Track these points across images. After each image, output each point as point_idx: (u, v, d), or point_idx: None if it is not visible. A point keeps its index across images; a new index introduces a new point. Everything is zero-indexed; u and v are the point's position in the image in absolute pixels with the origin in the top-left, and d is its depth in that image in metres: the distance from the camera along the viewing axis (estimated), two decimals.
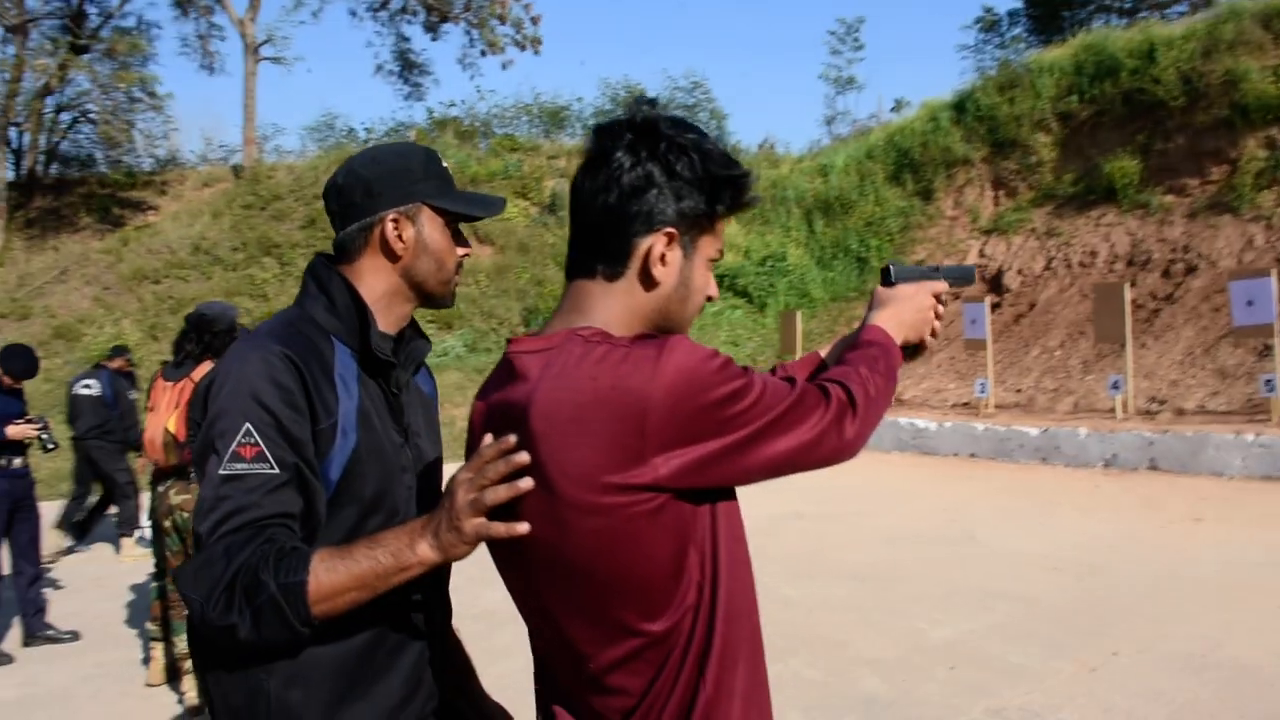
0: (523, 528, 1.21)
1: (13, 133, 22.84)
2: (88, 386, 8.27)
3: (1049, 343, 14.01)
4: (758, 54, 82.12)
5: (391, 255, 1.57)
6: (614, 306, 1.29)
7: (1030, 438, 10.91)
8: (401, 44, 29.17)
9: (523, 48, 26.33)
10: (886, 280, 1.66)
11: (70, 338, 16.93)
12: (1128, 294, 11.25)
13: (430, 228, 1.58)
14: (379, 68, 31.94)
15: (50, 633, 5.88)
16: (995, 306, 15.04)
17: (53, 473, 11.69)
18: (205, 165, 25.99)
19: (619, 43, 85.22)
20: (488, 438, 1.25)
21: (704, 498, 1.22)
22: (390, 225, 1.56)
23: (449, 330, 18.08)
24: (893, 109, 29.11)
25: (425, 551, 1.30)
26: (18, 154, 23.36)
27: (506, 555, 1.30)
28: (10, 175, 22.17)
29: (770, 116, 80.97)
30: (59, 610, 6.22)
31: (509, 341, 1.32)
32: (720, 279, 19.50)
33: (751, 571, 1.33)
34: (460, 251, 1.63)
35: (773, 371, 1.53)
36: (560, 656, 1.29)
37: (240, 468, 1.35)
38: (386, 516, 1.49)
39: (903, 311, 1.59)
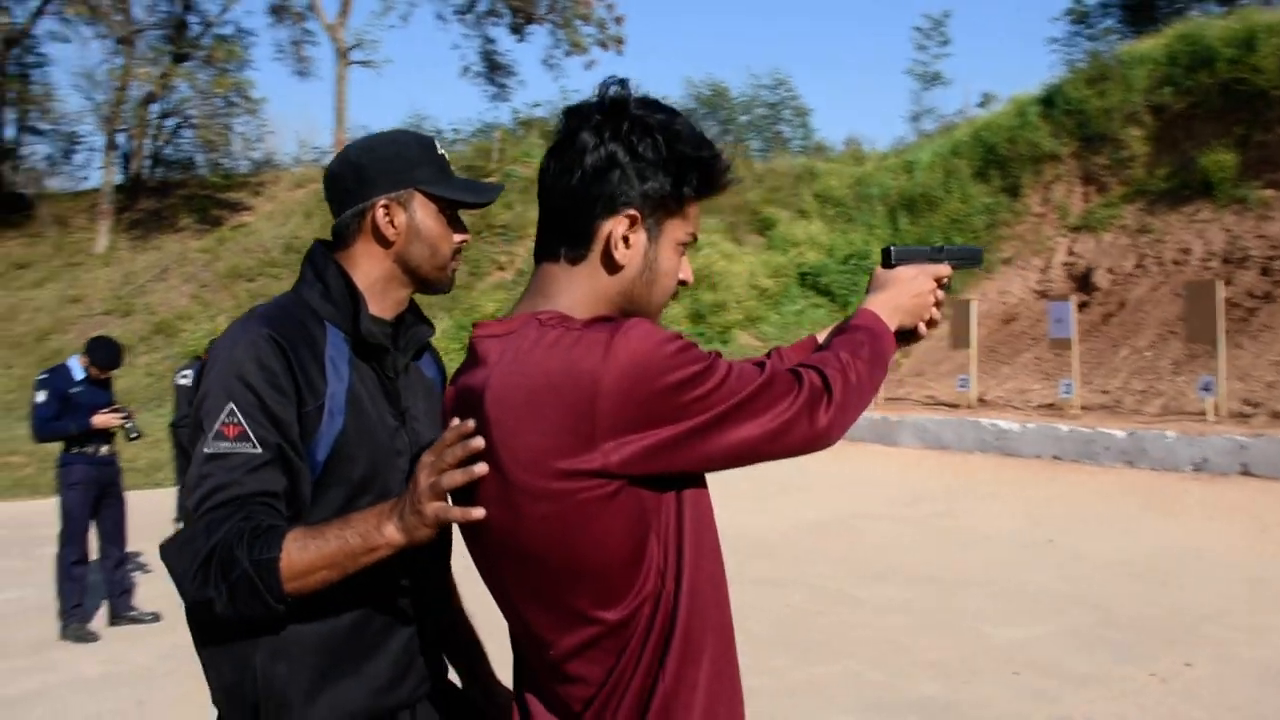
0: (478, 513, 1.21)
1: (120, 138, 23.94)
2: (185, 376, 8.60)
3: (1138, 343, 13.50)
4: (844, 51, 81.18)
5: (383, 241, 1.58)
6: (577, 290, 1.27)
7: (1116, 440, 10.53)
8: (487, 46, 29.69)
9: (605, 47, 26.56)
10: (886, 261, 1.60)
11: (169, 333, 17.66)
12: (1220, 292, 10.77)
13: (423, 213, 1.58)
14: (465, 69, 32.62)
15: (133, 614, 6.12)
16: (1084, 305, 14.55)
17: (151, 463, 12.21)
18: (298, 166, 26.82)
19: (704, 41, 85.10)
20: (453, 422, 1.25)
21: (668, 483, 1.19)
22: (381, 211, 1.56)
23: None
24: (979, 104, 28.43)
25: (391, 533, 1.32)
26: (126, 158, 24.45)
27: (470, 540, 1.30)
28: (119, 179, 23.24)
29: (856, 113, 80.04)
30: (143, 592, 6.48)
31: (474, 326, 1.32)
32: (803, 278, 19.32)
33: (721, 561, 1.29)
34: (457, 238, 1.63)
35: (767, 356, 1.49)
36: (526, 643, 1.28)
37: (224, 446, 1.38)
38: (377, 498, 1.49)
39: (898, 295, 1.53)
